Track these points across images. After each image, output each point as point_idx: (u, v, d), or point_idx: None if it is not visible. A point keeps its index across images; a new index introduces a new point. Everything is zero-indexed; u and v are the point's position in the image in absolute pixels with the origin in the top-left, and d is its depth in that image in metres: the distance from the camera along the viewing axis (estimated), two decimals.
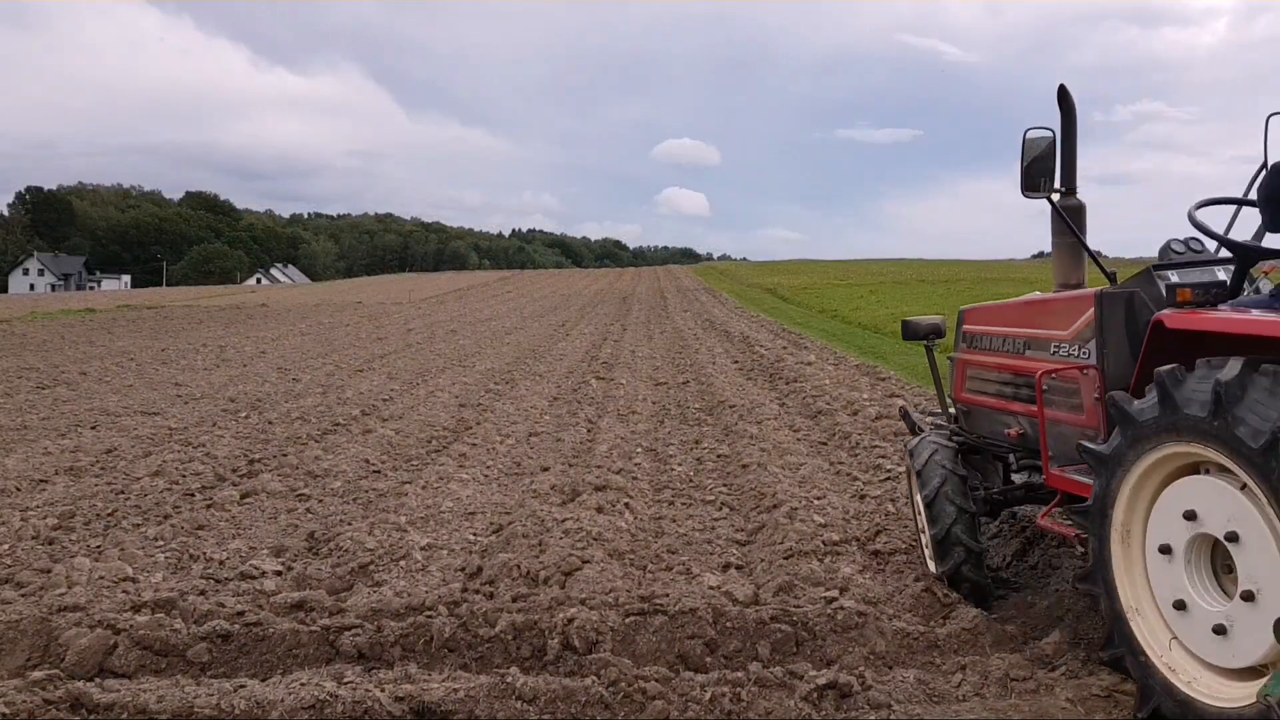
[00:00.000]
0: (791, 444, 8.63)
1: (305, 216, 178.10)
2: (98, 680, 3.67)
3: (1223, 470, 2.83)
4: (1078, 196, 4.30)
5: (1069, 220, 4.21)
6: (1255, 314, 3.04)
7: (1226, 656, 2.86)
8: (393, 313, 33.56)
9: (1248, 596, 2.75)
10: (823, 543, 5.49)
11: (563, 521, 5.84)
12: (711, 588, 4.61)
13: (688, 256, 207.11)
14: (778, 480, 6.99)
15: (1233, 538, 2.79)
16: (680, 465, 8.21)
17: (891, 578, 4.89)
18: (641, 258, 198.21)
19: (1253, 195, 3.61)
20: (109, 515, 6.54)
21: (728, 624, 3.93)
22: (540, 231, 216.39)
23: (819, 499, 6.52)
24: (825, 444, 8.86)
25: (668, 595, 4.21)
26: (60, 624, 4.01)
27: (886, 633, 3.93)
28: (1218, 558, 2.94)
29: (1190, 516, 2.94)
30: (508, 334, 23.37)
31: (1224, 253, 3.71)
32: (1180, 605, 3.01)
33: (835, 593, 4.55)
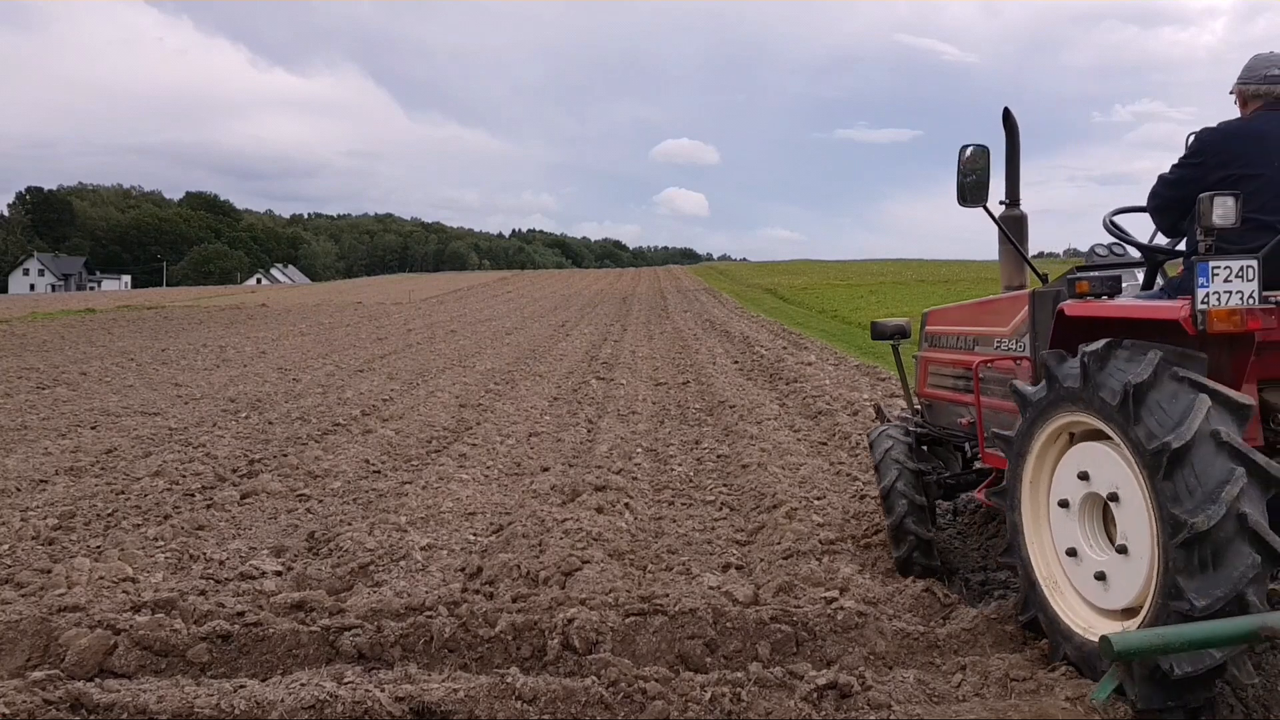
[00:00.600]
0: (791, 444, 8.63)
1: (305, 217, 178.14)
2: (98, 680, 3.67)
3: (1109, 439, 3.34)
4: (1020, 209, 4.75)
5: (1008, 231, 4.69)
6: (1131, 301, 3.72)
7: (1105, 600, 3.43)
8: (393, 313, 33.56)
9: (1121, 550, 3.30)
10: (820, 542, 5.50)
11: (563, 521, 5.84)
12: (711, 588, 4.61)
13: (687, 257, 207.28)
14: (778, 480, 6.99)
15: (1114, 498, 3.31)
16: (680, 465, 8.21)
17: (891, 578, 4.89)
18: (641, 258, 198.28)
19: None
20: (109, 515, 6.54)
21: (728, 624, 3.92)
22: (540, 232, 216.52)
23: (819, 499, 6.52)
24: (825, 444, 8.86)
25: (668, 595, 4.21)
26: (60, 624, 4.01)
27: (886, 633, 3.93)
28: (1109, 515, 3.42)
29: (1084, 477, 3.46)
30: (508, 334, 23.37)
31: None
32: (1072, 553, 3.57)
33: (835, 593, 4.55)
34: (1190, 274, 3.25)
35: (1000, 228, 4.67)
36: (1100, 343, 3.37)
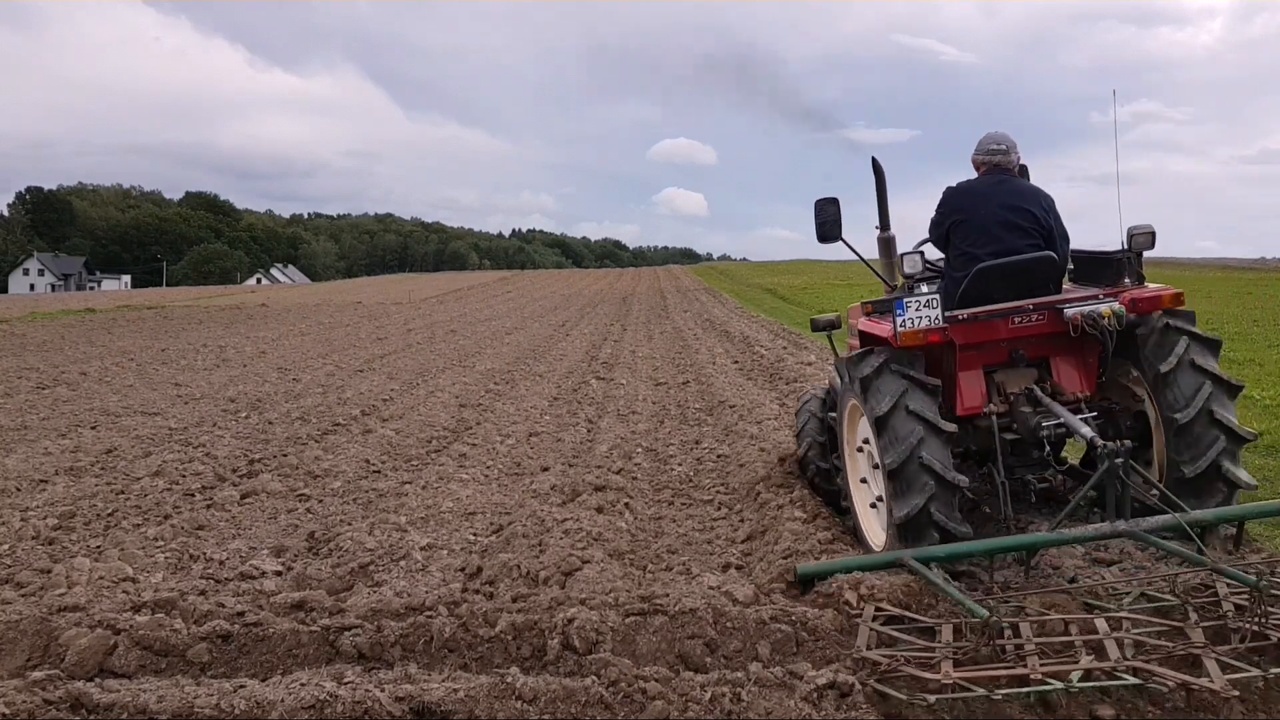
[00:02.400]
0: (792, 444, 8.62)
1: (305, 217, 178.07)
2: (98, 680, 3.67)
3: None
4: (890, 232, 6.06)
5: (881, 250, 6.06)
6: (874, 320, 5.42)
7: (876, 516, 5.14)
8: (393, 313, 33.56)
9: (863, 483, 5.33)
10: (819, 542, 5.49)
11: (563, 521, 5.84)
12: (711, 588, 4.61)
13: (687, 256, 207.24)
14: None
15: (861, 448, 5.34)
16: (680, 465, 8.22)
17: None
18: (641, 258, 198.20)
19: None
20: (109, 515, 6.55)
21: (728, 624, 3.92)
22: (540, 231, 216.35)
23: (819, 498, 6.52)
24: None
25: (668, 595, 4.21)
26: (60, 624, 4.01)
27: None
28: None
29: (866, 439, 5.18)
30: (508, 334, 23.37)
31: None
32: (863, 481, 5.33)
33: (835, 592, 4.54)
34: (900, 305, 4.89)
35: (856, 254, 5.99)
36: (861, 352, 5.16)
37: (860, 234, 6.20)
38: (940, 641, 3.64)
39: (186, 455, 8.44)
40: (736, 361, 16.01)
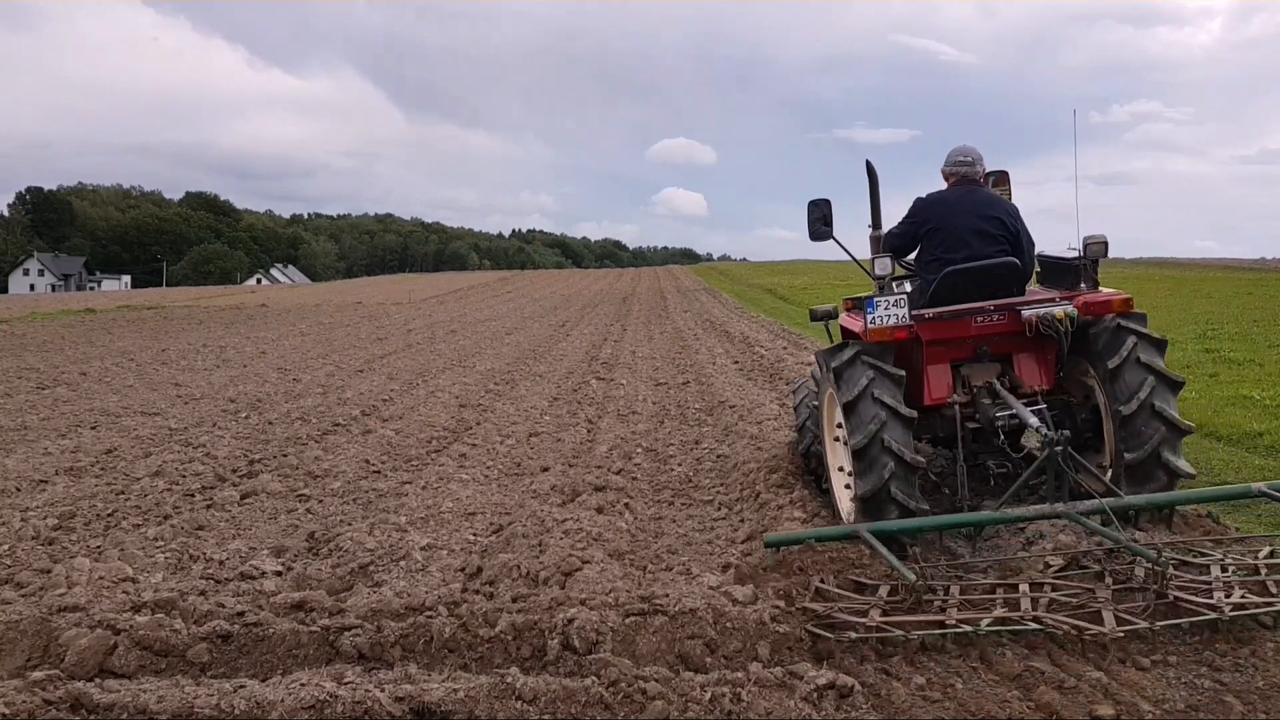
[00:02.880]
0: (792, 443, 8.62)
1: (305, 217, 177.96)
2: (98, 680, 3.67)
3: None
4: (881, 230, 6.09)
5: (873, 248, 6.08)
6: (852, 315, 6.10)
7: (848, 496, 5.47)
8: (393, 313, 33.56)
9: (840, 469, 5.67)
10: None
11: (563, 522, 5.84)
12: (711, 588, 4.61)
13: (687, 257, 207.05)
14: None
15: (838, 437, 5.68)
16: (680, 465, 8.22)
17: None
18: (641, 258, 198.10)
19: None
20: (109, 515, 6.55)
21: (728, 624, 3.92)
22: (540, 232, 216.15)
23: (821, 498, 6.52)
24: None
25: (668, 595, 4.21)
26: (60, 624, 4.01)
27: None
28: None
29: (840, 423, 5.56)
30: (508, 334, 23.37)
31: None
32: (840, 469, 5.70)
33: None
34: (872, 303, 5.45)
35: (847, 253, 6.14)
36: (839, 345, 5.73)
37: (856, 233, 6.43)
38: (877, 598, 4.26)
39: (186, 455, 8.44)
40: (736, 362, 16.01)
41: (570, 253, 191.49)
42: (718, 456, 8.46)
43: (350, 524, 6.13)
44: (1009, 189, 6.45)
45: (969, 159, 5.94)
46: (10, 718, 3.20)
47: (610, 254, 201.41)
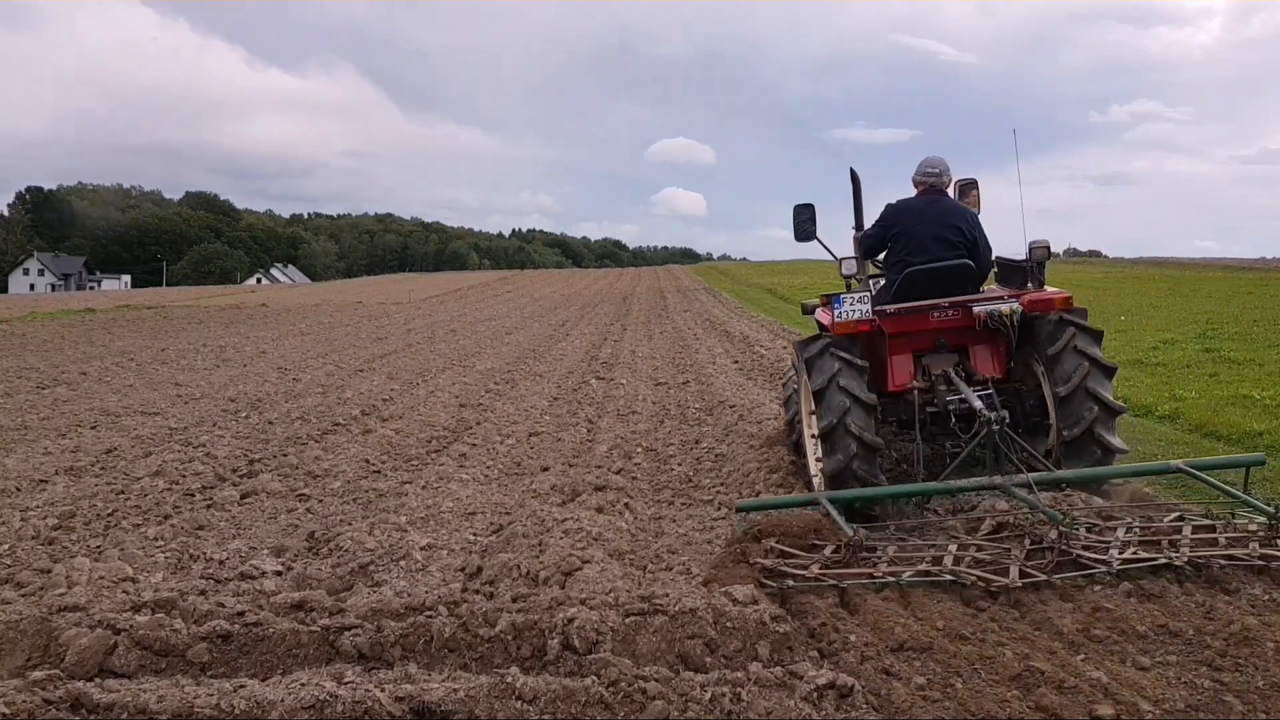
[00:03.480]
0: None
1: (305, 217, 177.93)
2: (98, 680, 3.67)
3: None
4: (862, 232, 6.76)
5: (855, 250, 6.78)
6: (825, 311, 6.56)
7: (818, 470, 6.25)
8: (393, 313, 33.56)
9: (815, 436, 6.18)
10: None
11: (563, 521, 5.84)
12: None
13: (687, 256, 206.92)
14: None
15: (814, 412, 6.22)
16: (680, 465, 8.21)
17: None
18: (641, 258, 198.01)
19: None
20: (109, 515, 6.55)
21: (728, 624, 3.92)
22: (540, 231, 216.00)
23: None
24: None
25: (668, 595, 4.21)
26: (60, 624, 4.01)
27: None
28: None
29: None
30: (508, 334, 23.37)
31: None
32: (814, 436, 6.20)
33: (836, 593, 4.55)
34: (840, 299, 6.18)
35: (829, 252, 6.88)
36: (810, 337, 6.45)
37: (846, 233, 7.12)
38: (821, 556, 4.84)
39: (186, 455, 8.44)
40: (736, 361, 16.01)
41: (570, 252, 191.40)
42: (717, 456, 8.46)
43: (350, 524, 6.13)
44: (977, 195, 7.04)
45: (936, 170, 6.56)
46: (10, 717, 3.20)
47: (610, 254, 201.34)
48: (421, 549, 5.54)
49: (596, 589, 4.53)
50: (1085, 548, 4.74)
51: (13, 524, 6.18)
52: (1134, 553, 4.66)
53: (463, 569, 5.24)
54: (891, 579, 4.51)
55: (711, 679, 3.45)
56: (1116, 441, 5.85)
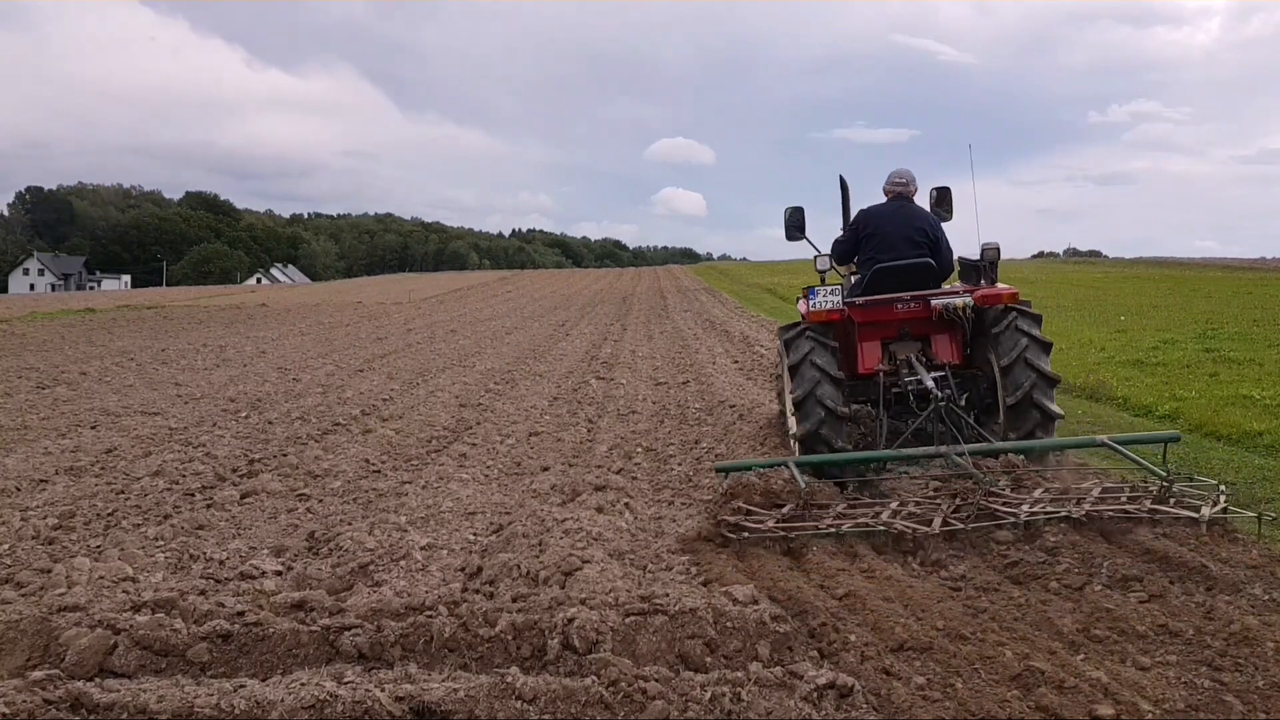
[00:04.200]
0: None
1: (305, 216, 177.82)
2: (98, 680, 3.67)
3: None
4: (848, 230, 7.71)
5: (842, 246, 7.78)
6: (804, 301, 7.21)
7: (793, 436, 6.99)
8: (393, 313, 33.55)
9: (791, 406, 6.91)
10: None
11: (563, 521, 5.84)
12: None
13: (687, 256, 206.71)
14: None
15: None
16: (680, 465, 8.21)
17: (890, 578, 4.89)
18: (641, 258, 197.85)
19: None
20: (109, 515, 6.55)
21: (728, 624, 3.93)
22: (540, 231, 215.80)
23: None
24: None
25: (668, 595, 4.21)
26: (60, 624, 4.01)
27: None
28: None
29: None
30: (508, 334, 23.37)
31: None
32: (791, 407, 7.00)
33: (837, 593, 4.55)
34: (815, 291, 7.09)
35: (816, 250, 7.68)
36: (791, 323, 7.33)
37: (836, 233, 7.86)
38: (779, 513, 5.58)
39: (186, 455, 8.44)
40: (736, 361, 16.01)
41: (570, 252, 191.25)
42: (717, 456, 8.46)
43: (350, 524, 6.13)
44: (950, 202, 7.87)
45: (903, 180, 7.55)
46: (10, 717, 3.20)
47: (610, 253, 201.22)
48: (421, 549, 5.54)
49: (596, 589, 4.53)
50: (1004, 504, 5.53)
51: (13, 524, 6.18)
52: (1041, 508, 5.46)
53: (463, 569, 5.24)
54: (833, 530, 5.36)
55: (711, 679, 3.45)
56: (1053, 407, 6.62)
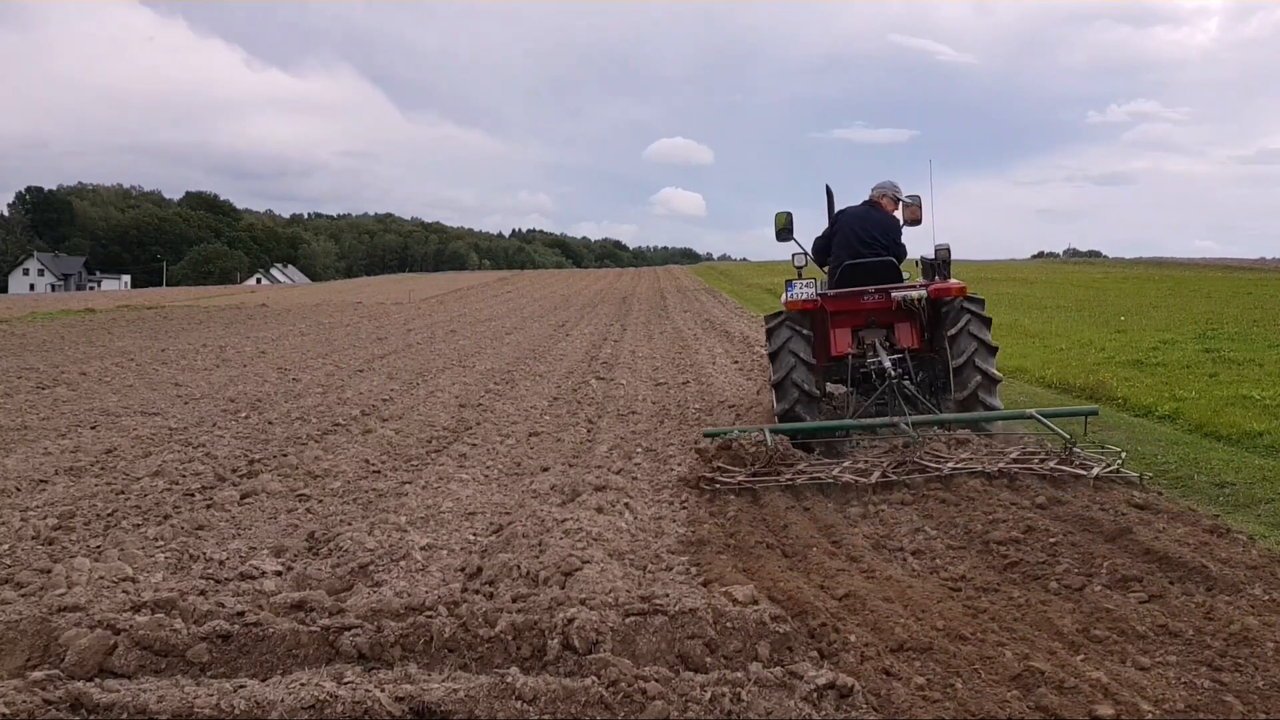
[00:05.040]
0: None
1: (305, 217, 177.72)
2: (98, 680, 3.67)
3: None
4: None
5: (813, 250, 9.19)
6: (785, 295, 8.44)
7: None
8: (393, 313, 33.55)
9: (772, 386, 8.28)
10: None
11: (563, 522, 5.84)
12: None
13: (687, 256, 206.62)
14: None
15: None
16: (680, 465, 8.20)
17: (890, 578, 4.89)
18: (641, 258, 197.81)
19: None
20: (109, 515, 6.54)
21: (728, 624, 3.92)
22: (540, 231, 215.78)
23: None
24: None
25: (668, 595, 4.21)
26: (60, 624, 4.01)
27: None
28: None
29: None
30: (508, 334, 23.37)
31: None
32: (771, 386, 8.24)
33: (837, 593, 4.55)
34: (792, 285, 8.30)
35: (803, 250, 9.08)
36: (774, 312, 8.42)
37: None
38: (749, 469, 6.86)
39: (186, 455, 8.44)
40: (736, 361, 16.01)
41: (570, 252, 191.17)
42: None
43: (350, 524, 6.13)
44: (919, 210, 8.89)
45: (884, 190, 8.86)
46: (10, 718, 3.20)
47: (610, 254, 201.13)
48: (421, 549, 5.53)
49: (596, 589, 4.53)
50: (935, 460, 6.74)
51: (13, 524, 6.18)
52: (963, 464, 6.61)
53: (463, 569, 5.24)
54: (789, 481, 6.64)
55: (711, 679, 3.45)
56: (995, 402, 7.90)
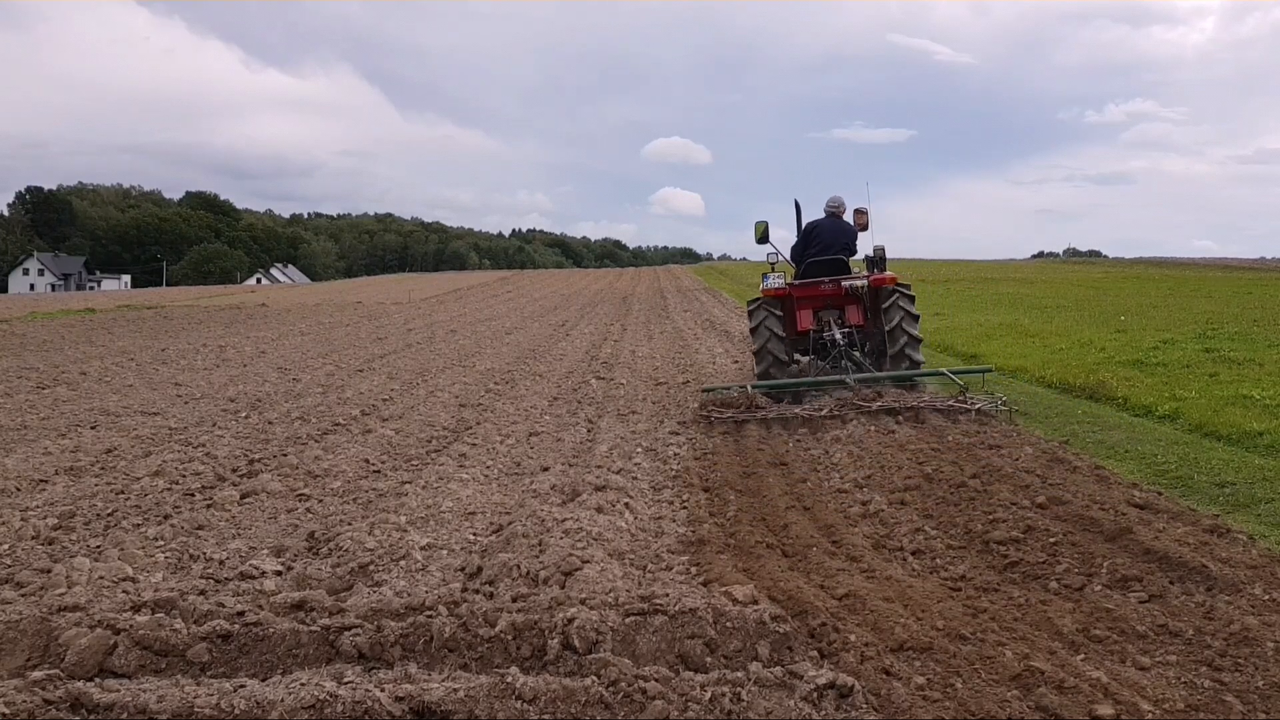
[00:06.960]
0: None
1: (305, 216, 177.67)
2: (98, 680, 3.67)
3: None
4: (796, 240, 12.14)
5: (789, 254, 12.18)
6: (763, 283, 11.79)
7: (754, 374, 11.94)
8: (393, 313, 33.54)
9: (753, 353, 11.98)
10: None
11: (563, 521, 5.84)
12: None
13: (687, 256, 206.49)
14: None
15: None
16: (680, 465, 8.21)
17: (890, 578, 4.89)
18: (641, 258, 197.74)
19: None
20: (109, 515, 6.54)
21: (728, 624, 3.92)
22: (540, 231, 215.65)
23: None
24: None
25: (668, 595, 4.20)
26: (60, 624, 4.01)
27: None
28: None
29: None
30: (508, 334, 23.37)
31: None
32: (753, 354, 11.90)
33: (837, 593, 4.55)
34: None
35: (779, 253, 12.00)
36: (754, 298, 11.80)
37: (793, 238, 11.49)
38: (734, 411, 9.62)
39: (186, 455, 8.44)
40: (736, 361, 16.01)
41: (570, 252, 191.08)
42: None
43: (350, 524, 6.13)
44: (867, 217, 11.58)
45: (836, 204, 11.76)
46: (10, 718, 3.20)
47: (610, 253, 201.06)
48: (421, 549, 5.54)
49: (596, 589, 4.53)
50: (864, 402, 9.47)
51: (13, 524, 6.18)
52: (881, 405, 9.38)
53: (463, 569, 5.24)
54: (763, 417, 9.42)
55: (711, 679, 3.45)
56: (918, 357, 10.72)
